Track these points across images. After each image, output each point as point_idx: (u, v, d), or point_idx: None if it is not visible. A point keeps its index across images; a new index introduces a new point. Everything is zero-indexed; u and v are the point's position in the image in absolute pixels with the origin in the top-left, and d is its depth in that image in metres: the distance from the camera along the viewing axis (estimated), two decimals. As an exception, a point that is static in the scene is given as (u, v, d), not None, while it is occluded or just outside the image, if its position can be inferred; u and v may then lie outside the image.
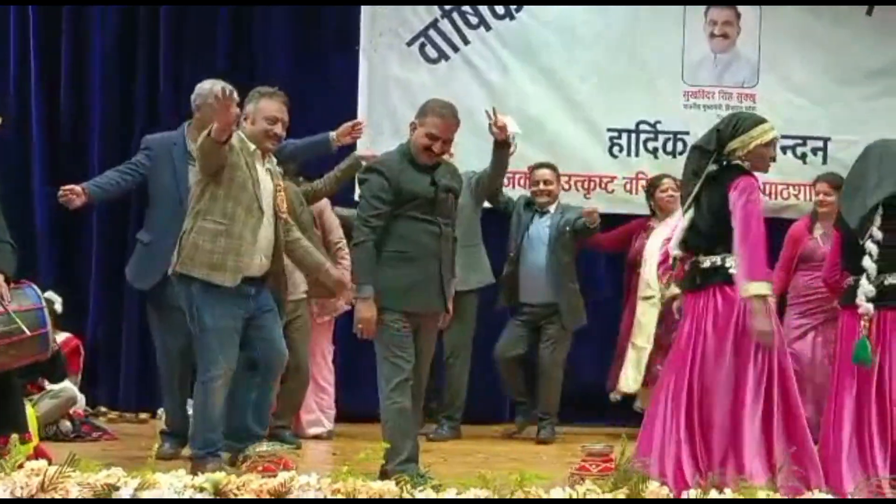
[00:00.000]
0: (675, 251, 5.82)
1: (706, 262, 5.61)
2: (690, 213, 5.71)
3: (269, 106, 6.07)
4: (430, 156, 5.92)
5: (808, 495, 4.72)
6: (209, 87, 6.62)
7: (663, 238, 8.10)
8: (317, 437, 7.91)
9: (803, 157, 9.24)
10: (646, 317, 8.34)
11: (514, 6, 9.09)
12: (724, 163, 5.67)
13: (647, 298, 8.29)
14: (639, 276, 8.40)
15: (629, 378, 8.36)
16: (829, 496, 4.73)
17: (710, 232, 5.61)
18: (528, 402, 8.43)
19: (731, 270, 5.53)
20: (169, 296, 6.43)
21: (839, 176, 7.56)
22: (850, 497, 5.13)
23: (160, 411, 8.62)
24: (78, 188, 6.80)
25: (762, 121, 5.76)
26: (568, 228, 8.24)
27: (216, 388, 5.93)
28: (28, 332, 5.55)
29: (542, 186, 8.37)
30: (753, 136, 5.65)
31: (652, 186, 8.65)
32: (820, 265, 7.05)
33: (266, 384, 6.20)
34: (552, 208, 8.38)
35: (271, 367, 6.19)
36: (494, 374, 8.41)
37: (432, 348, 6.15)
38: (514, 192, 8.71)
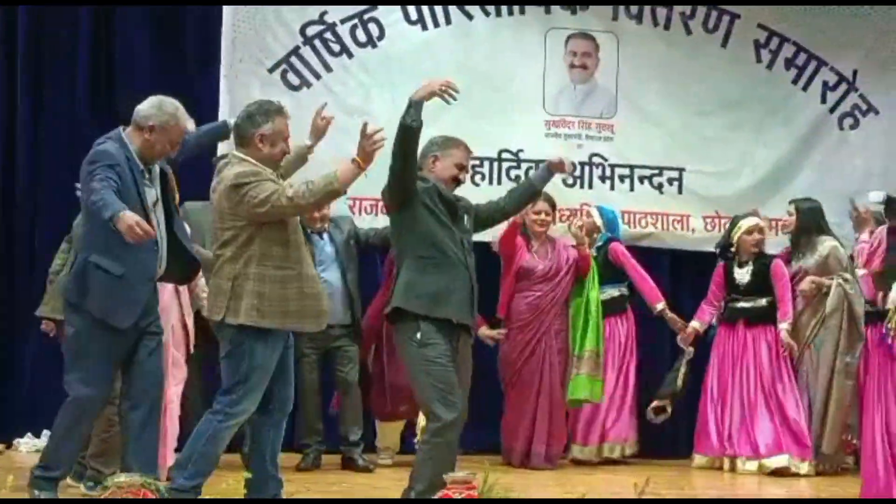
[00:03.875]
0: None
1: None
2: None
3: (285, 124, 5.68)
4: (455, 185, 6.03)
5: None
6: (174, 110, 5.84)
7: None
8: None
9: (659, 186, 9.43)
10: None
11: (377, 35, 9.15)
12: None
13: None
14: None
15: None
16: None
17: None
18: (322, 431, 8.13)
19: None
20: (145, 327, 5.78)
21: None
22: None
23: (17, 442, 8.44)
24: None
25: None
26: (355, 241, 8.24)
27: (235, 425, 5.55)
28: None
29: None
30: None
31: None
32: None
33: (279, 423, 5.78)
34: (328, 226, 8.20)
35: (285, 407, 5.78)
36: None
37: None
38: (362, 220, 8.71)
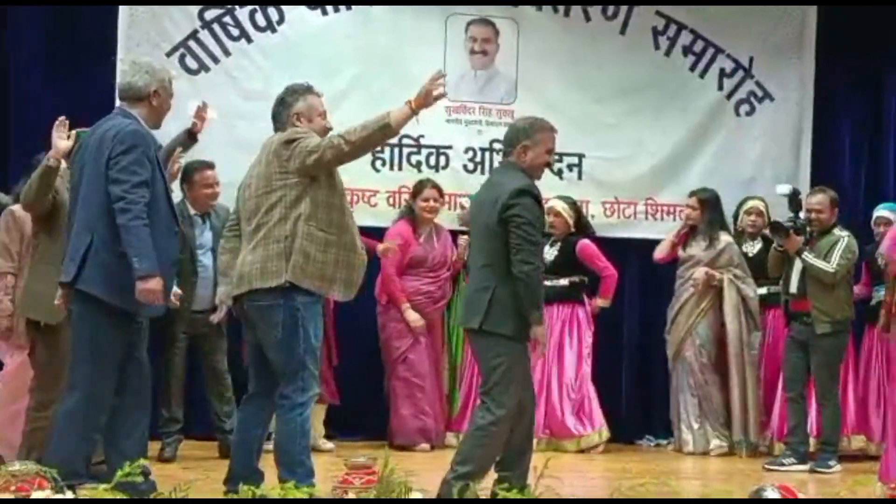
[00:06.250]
0: None
1: None
2: None
3: (318, 101, 5.79)
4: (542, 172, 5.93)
5: None
6: (156, 64, 5.68)
7: None
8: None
9: (559, 172, 9.45)
10: None
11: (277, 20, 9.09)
12: None
13: None
14: None
15: None
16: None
17: None
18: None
19: None
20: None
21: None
22: None
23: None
24: None
25: None
26: None
27: (311, 410, 5.53)
28: None
29: (210, 190, 7.97)
30: None
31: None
32: None
33: (271, 413, 5.69)
34: (212, 209, 8.02)
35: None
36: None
37: None
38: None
